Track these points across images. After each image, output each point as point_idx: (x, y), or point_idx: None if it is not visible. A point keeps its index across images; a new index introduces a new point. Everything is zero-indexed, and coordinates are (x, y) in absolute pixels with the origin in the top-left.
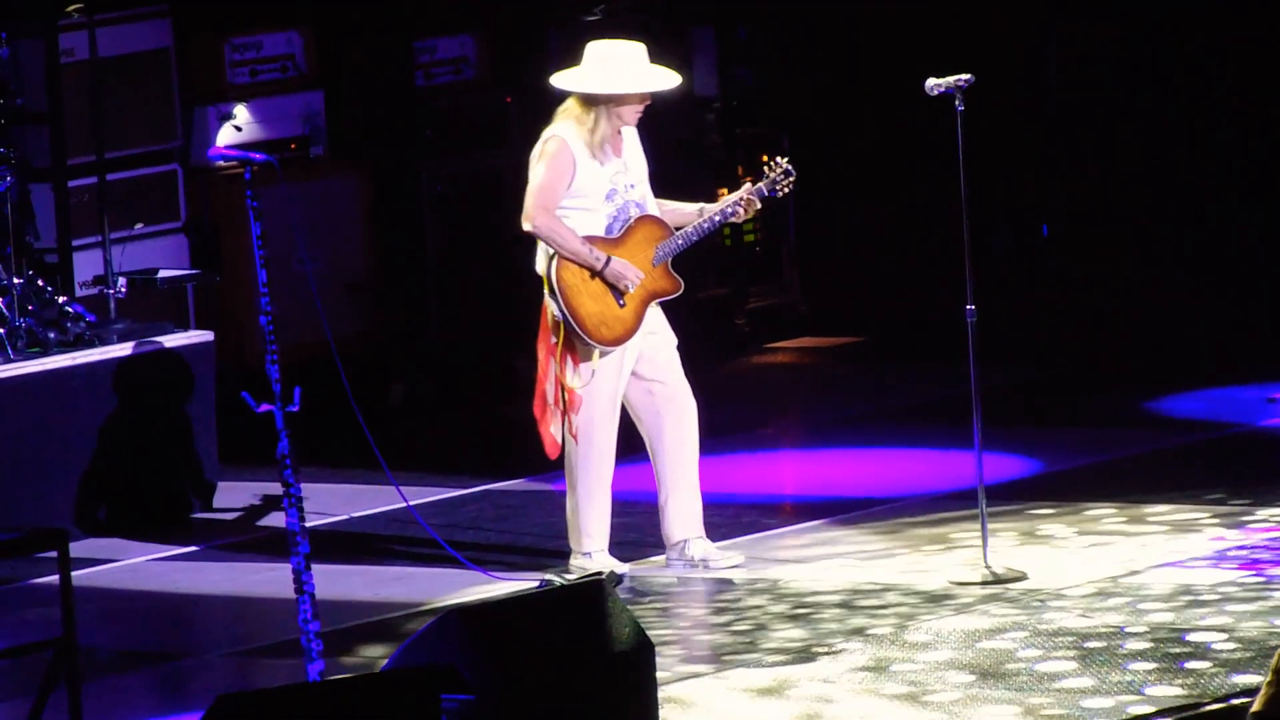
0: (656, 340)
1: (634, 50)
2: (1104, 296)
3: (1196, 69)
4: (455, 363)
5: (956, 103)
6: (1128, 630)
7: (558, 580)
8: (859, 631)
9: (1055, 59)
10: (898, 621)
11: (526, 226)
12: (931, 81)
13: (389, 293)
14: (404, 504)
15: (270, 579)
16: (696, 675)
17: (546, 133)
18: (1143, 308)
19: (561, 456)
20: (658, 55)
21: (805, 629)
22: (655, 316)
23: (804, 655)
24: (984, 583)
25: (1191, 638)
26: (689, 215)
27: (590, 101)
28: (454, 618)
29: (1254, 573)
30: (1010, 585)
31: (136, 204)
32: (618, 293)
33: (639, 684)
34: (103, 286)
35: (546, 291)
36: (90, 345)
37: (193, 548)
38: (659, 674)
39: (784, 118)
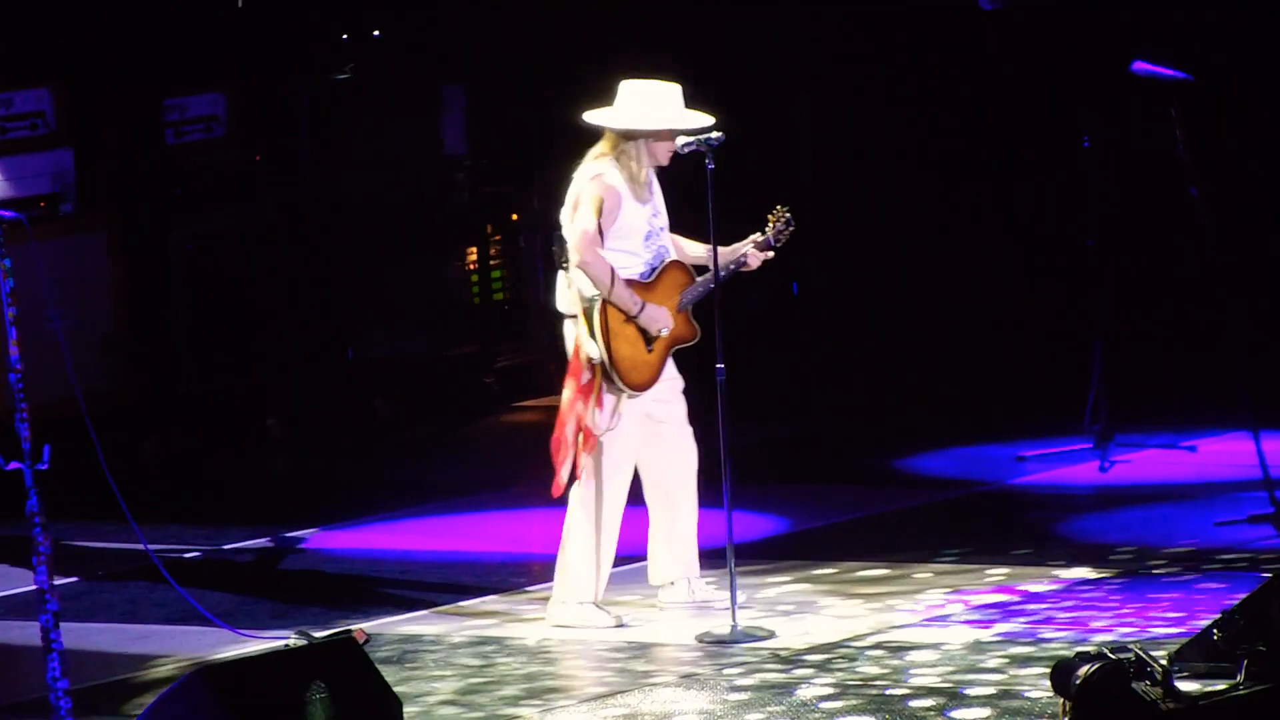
0: (670, 385)
1: (668, 90)
2: (856, 355)
3: (948, 128)
4: (206, 418)
5: (707, 160)
6: (874, 686)
7: (305, 639)
8: (599, 699)
9: (808, 118)
10: (652, 676)
11: (575, 264)
12: (682, 139)
13: (140, 349)
14: (153, 561)
15: (19, 636)
16: None
17: (586, 171)
18: (894, 366)
19: (564, 496)
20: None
21: (547, 683)
22: (669, 382)
23: (546, 709)
24: (732, 641)
25: (937, 694)
26: (699, 255)
27: (627, 138)
28: (201, 676)
29: (1004, 631)
30: (758, 644)
31: None
32: (647, 338)
33: None
34: None
35: (588, 330)
36: None
37: None
38: None
39: (534, 176)
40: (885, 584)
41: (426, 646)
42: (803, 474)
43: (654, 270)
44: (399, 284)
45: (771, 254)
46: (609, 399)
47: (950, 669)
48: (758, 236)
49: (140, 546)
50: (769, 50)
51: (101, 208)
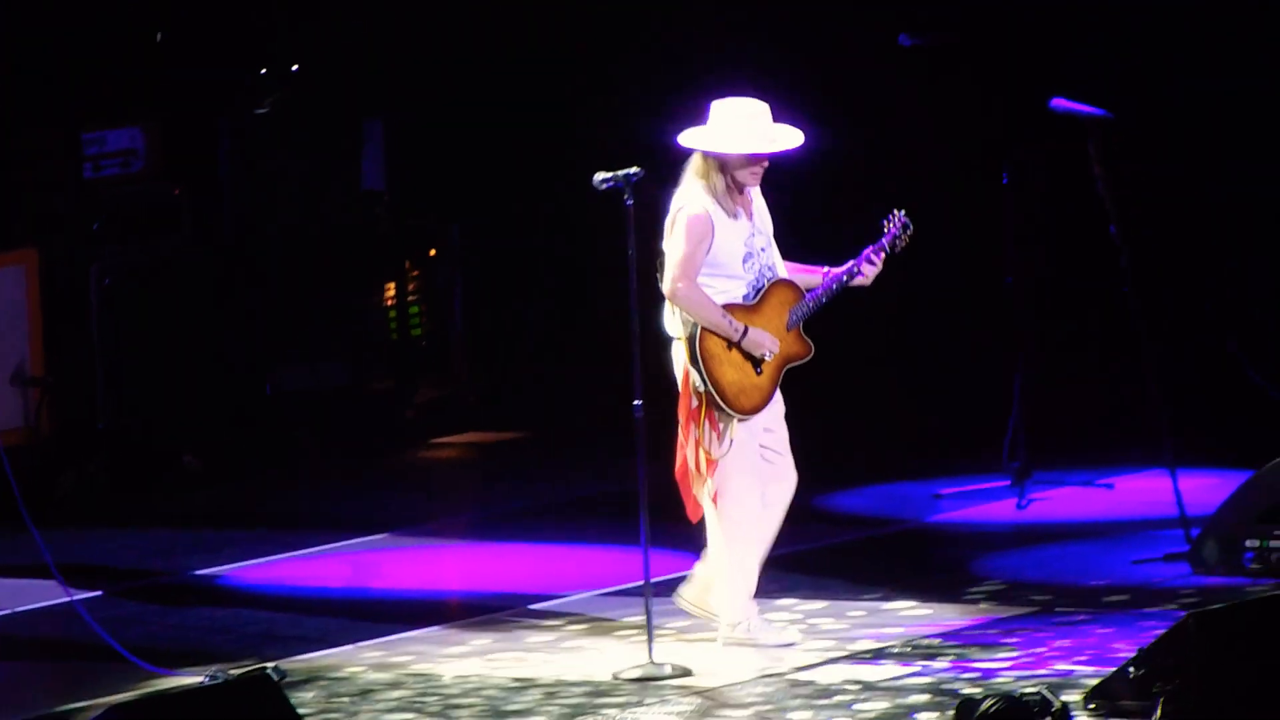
0: (777, 410)
1: (755, 109)
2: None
3: (865, 163)
4: (124, 455)
5: (625, 197)
6: None
7: (220, 675)
8: None
9: None
10: (568, 714)
11: (668, 294)
12: (600, 176)
13: (57, 385)
14: (68, 598)
15: None
16: None
17: (677, 200)
18: (812, 405)
19: (703, 520)
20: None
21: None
22: (775, 408)
23: None
24: (649, 678)
25: None
26: (811, 277)
27: (710, 159)
28: (114, 713)
29: (919, 668)
30: (675, 681)
31: None
32: (755, 361)
33: None
34: None
35: (688, 359)
36: None
37: None
38: None
39: (454, 210)
40: (804, 621)
41: (343, 682)
42: None
43: (758, 291)
44: (318, 318)
45: (881, 264)
46: (721, 424)
47: (864, 708)
48: (873, 245)
49: (54, 581)
50: (686, 82)
51: (20, 242)
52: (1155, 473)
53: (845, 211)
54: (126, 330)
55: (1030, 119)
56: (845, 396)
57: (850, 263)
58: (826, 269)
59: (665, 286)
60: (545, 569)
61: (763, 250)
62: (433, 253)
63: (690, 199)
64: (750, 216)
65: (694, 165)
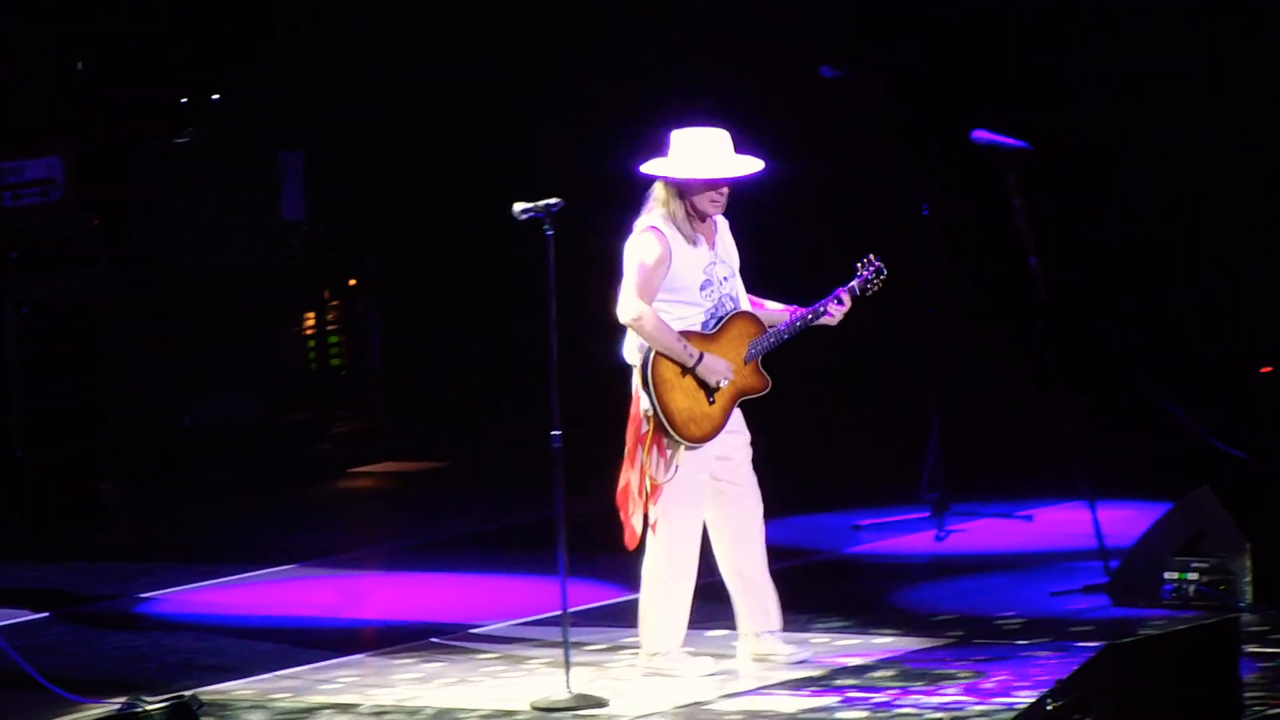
0: (735, 440)
1: (714, 138)
2: None
3: (787, 194)
4: (38, 485)
5: (545, 227)
6: None
7: (138, 704)
8: None
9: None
10: None
11: (623, 319)
12: (520, 206)
13: None
14: None
15: None
16: None
17: (639, 224)
18: None
19: (640, 548)
20: (256, 175)
21: None
22: (735, 413)
23: None
24: (566, 709)
25: None
26: (776, 315)
27: (670, 187)
28: None
29: (838, 699)
30: (592, 711)
31: None
32: (709, 389)
33: None
34: None
35: (639, 383)
36: None
37: None
38: None
39: (372, 242)
40: (720, 652)
41: (260, 710)
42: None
43: (719, 321)
44: (235, 349)
45: (849, 306)
46: (669, 450)
47: None
48: (843, 287)
49: None
50: (609, 116)
51: None
52: (1074, 504)
53: (777, 241)
54: (44, 360)
55: (952, 151)
56: (763, 427)
57: (818, 302)
58: (793, 308)
59: (619, 308)
60: (463, 599)
61: (725, 280)
62: (352, 283)
63: (647, 224)
64: (712, 245)
65: (655, 193)
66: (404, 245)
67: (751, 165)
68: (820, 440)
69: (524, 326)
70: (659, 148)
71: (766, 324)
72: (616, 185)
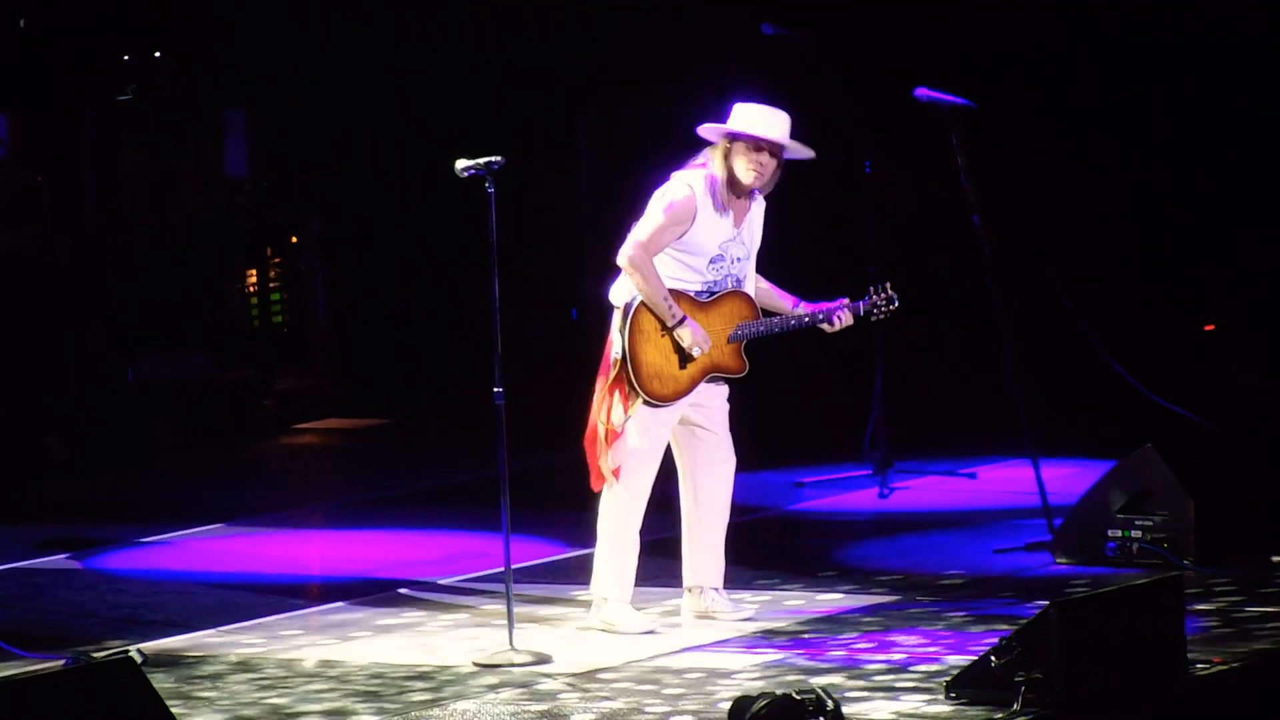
0: (713, 389)
1: (773, 114)
2: None
3: None
4: None
5: (487, 184)
6: (654, 713)
7: (82, 659)
8: (384, 712)
9: (586, 150)
10: (426, 700)
11: (620, 260)
12: (462, 163)
13: None
14: None
15: None
16: None
17: (678, 176)
18: None
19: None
20: (200, 133)
21: (318, 704)
22: (711, 386)
23: None
24: (509, 665)
25: None
26: (781, 304)
27: (717, 151)
28: None
29: (782, 655)
30: (536, 667)
31: None
32: (682, 355)
33: None
34: None
35: (616, 325)
36: None
37: None
38: None
39: (315, 199)
40: (662, 608)
41: (206, 667)
42: (582, 500)
43: (713, 295)
44: (179, 306)
45: (851, 323)
46: (629, 399)
47: (722, 695)
48: (850, 302)
49: None
50: (551, 75)
51: None
52: (1018, 462)
53: None
54: None
55: (894, 107)
56: None
57: (826, 306)
58: (799, 301)
59: (622, 248)
60: (407, 555)
61: (737, 260)
62: (295, 240)
63: (687, 180)
64: (738, 224)
65: (706, 154)
66: (348, 202)
67: (801, 148)
68: (763, 397)
69: (470, 285)
70: (597, 102)
71: (762, 312)
72: (559, 141)
